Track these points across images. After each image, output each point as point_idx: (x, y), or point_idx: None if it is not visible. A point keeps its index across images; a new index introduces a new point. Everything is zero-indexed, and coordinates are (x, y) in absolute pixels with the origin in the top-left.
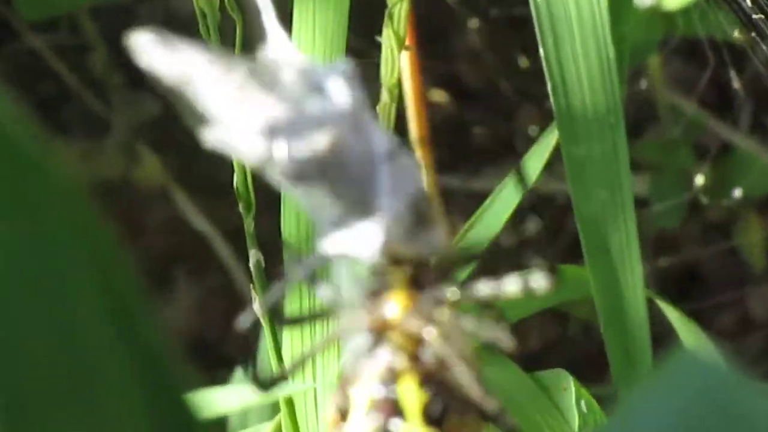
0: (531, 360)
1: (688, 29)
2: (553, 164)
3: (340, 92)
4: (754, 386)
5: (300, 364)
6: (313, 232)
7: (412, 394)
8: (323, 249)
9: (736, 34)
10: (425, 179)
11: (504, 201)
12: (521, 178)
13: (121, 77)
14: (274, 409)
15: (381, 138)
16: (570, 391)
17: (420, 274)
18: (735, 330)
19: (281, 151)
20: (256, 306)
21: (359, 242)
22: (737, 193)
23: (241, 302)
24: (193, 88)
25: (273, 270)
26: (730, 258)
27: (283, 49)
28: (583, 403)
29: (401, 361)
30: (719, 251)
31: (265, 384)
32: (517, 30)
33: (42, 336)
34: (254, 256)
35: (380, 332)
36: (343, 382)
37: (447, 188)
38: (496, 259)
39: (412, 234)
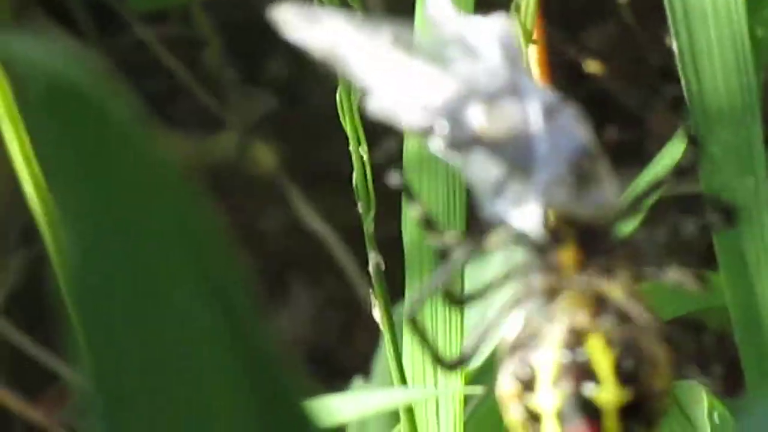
0: None
1: None
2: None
3: (496, 51)
4: None
5: (479, 340)
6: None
7: (601, 355)
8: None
9: None
10: (590, 134)
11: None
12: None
13: (236, 72)
14: (394, 418)
15: (539, 95)
16: (703, 404)
17: (589, 233)
18: None
19: (441, 125)
20: (376, 312)
21: (521, 212)
22: None
23: (359, 310)
24: (344, 59)
25: (393, 274)
26: None
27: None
28: (716, 415)
29: (584, 322)
30: None
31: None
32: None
33: (138, 328)
34: (374, 258)
35: (555, 295)
36: (517, 350)
37: None
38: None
39: (578, 193)
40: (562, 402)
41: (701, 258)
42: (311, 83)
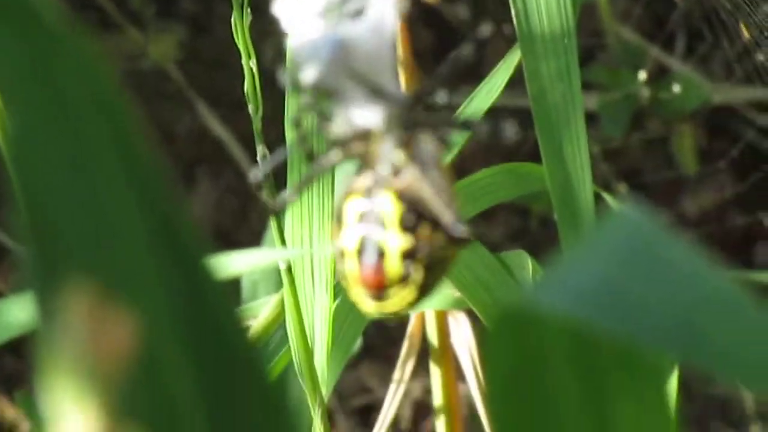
0: (495, 248)
1: None
2: (516, 84)
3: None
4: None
5: (298, 188)
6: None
7: (390, 206)
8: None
9: None
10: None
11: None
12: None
13: (155, 8)
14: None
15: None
16: (528, 270)
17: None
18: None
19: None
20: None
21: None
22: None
23: (253, 197)
24: None
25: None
26: (667, 163)
27: None
28: (538, 277)
29: (382, 180)
30: (657, 157)
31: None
32: None
33: (67, 192)
34: (260, 150)
35: (367, 160)
36: (339, 201)
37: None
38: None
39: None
40: (359, 243)
41: (528, 156)
42: (215, 18)
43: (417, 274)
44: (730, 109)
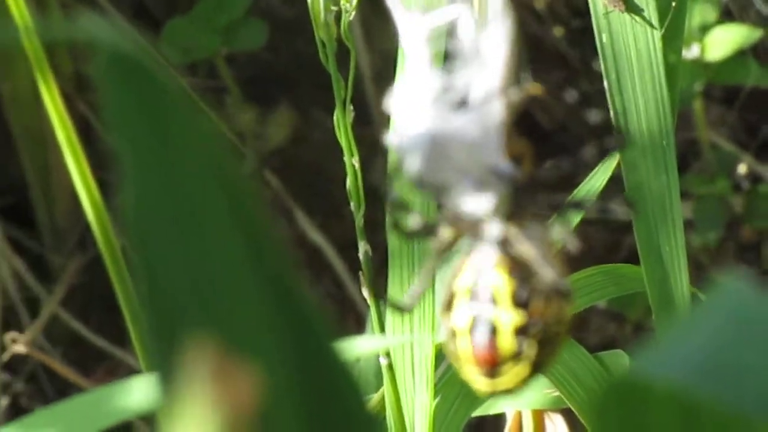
0: (591, 352)
1: (727, 77)
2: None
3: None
4: None
5: (422, 283)
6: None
7: (501, 282)
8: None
9: None
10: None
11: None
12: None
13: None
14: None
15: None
16: (626, 369)
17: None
18: None
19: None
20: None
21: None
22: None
23: (350, 305)
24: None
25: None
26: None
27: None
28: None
29: (491, 257)
30: (751, 267)
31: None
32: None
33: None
34: (363, 246)
35: (472, 240)
36: (449, 278)
37: None
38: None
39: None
40: (470, 321)
41: (625, 260)
42: (312, 125)
43: (530, 350)
44: None
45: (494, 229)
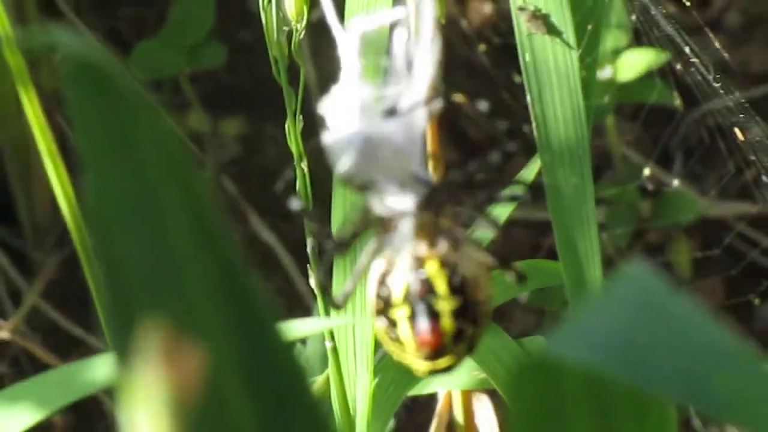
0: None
1: (636, 96)
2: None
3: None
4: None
5: (354, 280)
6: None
7: (434, 272)
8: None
9: (676, 101)
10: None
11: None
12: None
13: (211, 127)
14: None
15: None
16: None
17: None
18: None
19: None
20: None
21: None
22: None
23: (299, 300)
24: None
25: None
26: (665, 269)
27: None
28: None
29: (424, 251)
30: (656, 264)
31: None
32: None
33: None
34: (311, 243)
35: (399, 238)
36: (379, 276)
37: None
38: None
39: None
40: (411, 310)
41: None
42: (265, 138)
43: (468, 329)
44: (722, 222)
45: (419, 225)
